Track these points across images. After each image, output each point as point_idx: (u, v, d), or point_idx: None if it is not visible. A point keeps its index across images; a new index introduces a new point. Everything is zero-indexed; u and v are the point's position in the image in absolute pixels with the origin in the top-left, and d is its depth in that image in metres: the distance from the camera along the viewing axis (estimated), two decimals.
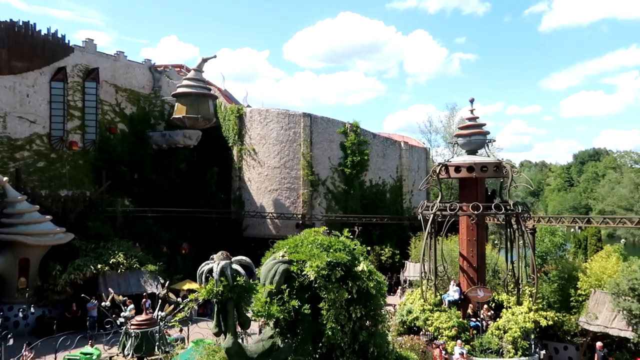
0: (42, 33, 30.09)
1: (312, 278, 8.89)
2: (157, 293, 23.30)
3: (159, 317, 16.35)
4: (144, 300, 23.78)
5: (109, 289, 20.26)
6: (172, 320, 15.78)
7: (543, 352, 19.41)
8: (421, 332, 19.22)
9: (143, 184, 35.13)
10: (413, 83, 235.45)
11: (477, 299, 19.72)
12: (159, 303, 17.36)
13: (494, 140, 23.45)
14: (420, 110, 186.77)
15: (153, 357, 15.35)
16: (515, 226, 20.79)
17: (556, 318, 19.89)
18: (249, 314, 8.83)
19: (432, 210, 20.59)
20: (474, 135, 21.61)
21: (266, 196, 37.75)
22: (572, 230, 57.50)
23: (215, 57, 36.25)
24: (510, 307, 19.65)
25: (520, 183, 23.58)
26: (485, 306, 19.93)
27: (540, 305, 19.94)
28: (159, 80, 37.93)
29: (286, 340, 8.92)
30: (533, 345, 18.44)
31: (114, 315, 17.14)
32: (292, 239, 10.04)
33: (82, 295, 20.56)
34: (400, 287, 31.93)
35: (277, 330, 9.01)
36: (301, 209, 36.93)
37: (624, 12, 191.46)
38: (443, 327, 18.72)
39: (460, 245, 21.69)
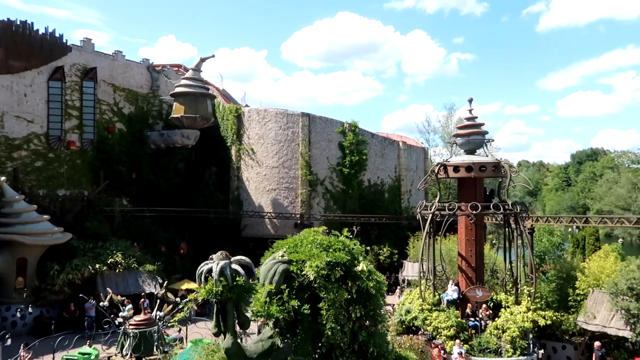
0: (40, 32, 29.97)
1: (311, 278, 8.86)
2: (156, 293, 23.19)
3: (158, 317, 16.31)
4: (142, 300, 23.86)
5: (107, 288, 20.16)
6: (171, 320, 15.75)
7: (541, 351, 19.45)
8: (420, 332, 19.20)
9: (141, 184, 35.05)
10: (411, 83, 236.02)
11: (476, 299, 19.72)
12: (157, 303, 17.27)
13: (492, 140, 23.45)
14: (418, 110, 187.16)
15: (151, 357, 15.27)
16: (513, 226, 20.84)
17: (554, 317, 19.88)
18: (249, 314, 8.80)
19: (430, 210, 20.59)
20: (473, 135, 21.62)
21: (264, 196, 37.71)
22: (570, 230, 57.67)
23: (213, 56, 36.24)
24: (508, 307, 19.64)
25: (519, 183, 23.57)
26: (484, 306, 19.93)
27: (539, 305, 19.95)
28: (157, 79, 37.82)
29: (286, 340, 8.89)
30: (531, 345, 18.44)
31: (112, 315, 17.05)
32: (291, 239, 9.99)
33: (80, 295, 20.49)
34: (399, 287, 31.95)
35: (276, 330, 8.99)
36: (299, 208, 36.93)
37: (621, 13, 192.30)
38: (442, 326, 18.69)
39: (459, 245, 21.69)
